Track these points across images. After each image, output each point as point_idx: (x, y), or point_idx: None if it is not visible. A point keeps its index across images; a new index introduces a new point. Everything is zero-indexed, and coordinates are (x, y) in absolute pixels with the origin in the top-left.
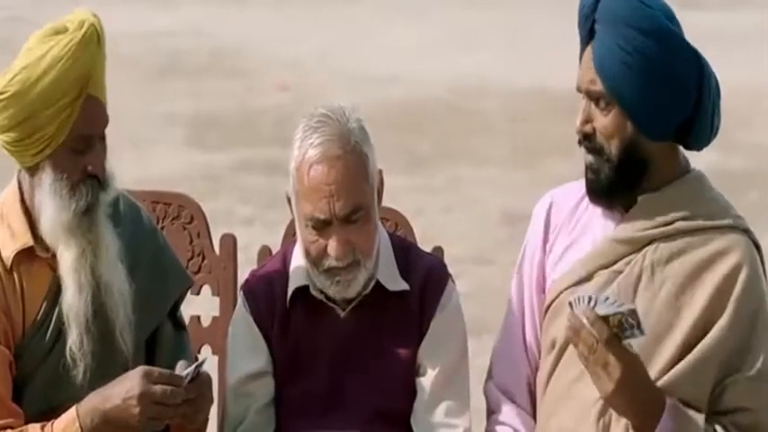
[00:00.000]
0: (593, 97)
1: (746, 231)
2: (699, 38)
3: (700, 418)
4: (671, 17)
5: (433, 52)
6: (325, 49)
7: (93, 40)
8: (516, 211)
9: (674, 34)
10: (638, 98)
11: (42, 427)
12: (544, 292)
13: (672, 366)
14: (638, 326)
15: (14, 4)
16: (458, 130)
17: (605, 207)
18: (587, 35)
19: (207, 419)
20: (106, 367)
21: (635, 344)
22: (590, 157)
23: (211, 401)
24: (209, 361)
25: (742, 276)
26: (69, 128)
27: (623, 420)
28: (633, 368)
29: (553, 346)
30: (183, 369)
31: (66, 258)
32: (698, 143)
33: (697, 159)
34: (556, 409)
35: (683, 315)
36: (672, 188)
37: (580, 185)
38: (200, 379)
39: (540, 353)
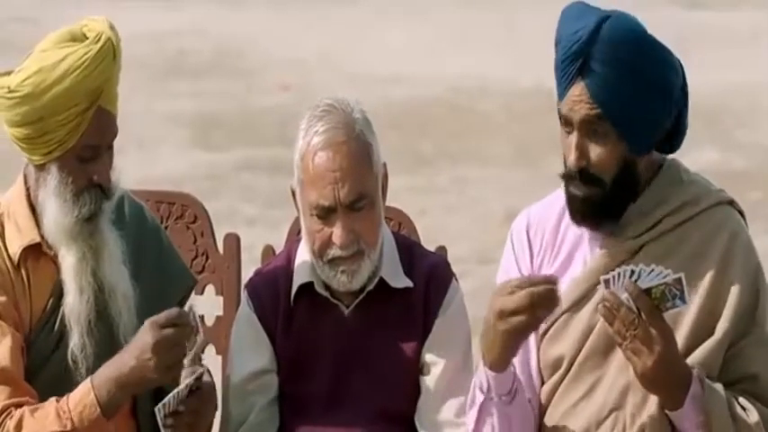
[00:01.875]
0: (588, 127)
1: (731, 202)
2: (699, 38)
3: (720, 387)
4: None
5: (435, 52)
6: (327, 50)
7: (108, 55)
8: (519, 210)
9: (663, 47)
10: (640, 119)
11: (57, 400)
12: None
13: (684, 352)
14: (681, 295)
15: (20, 4)
16: (460, 130)
17: (597, 230)
18: (577, 71)
19: (212, 423)
20: None
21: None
22: (584, 189)
23: (215, 409)
24: (212, 360)
25: (739, 245)
26: (78, 136)
27: (636, 427)
28: (672, 340)
29: (557, 367)
30: (188, 365)
31: (68, 261)
32: (678, 147)
33: (697, 159)
34: (563, 425)
35: (689, 306)
36: (652, 187)
37: (555, 201)
38: (202, 389)
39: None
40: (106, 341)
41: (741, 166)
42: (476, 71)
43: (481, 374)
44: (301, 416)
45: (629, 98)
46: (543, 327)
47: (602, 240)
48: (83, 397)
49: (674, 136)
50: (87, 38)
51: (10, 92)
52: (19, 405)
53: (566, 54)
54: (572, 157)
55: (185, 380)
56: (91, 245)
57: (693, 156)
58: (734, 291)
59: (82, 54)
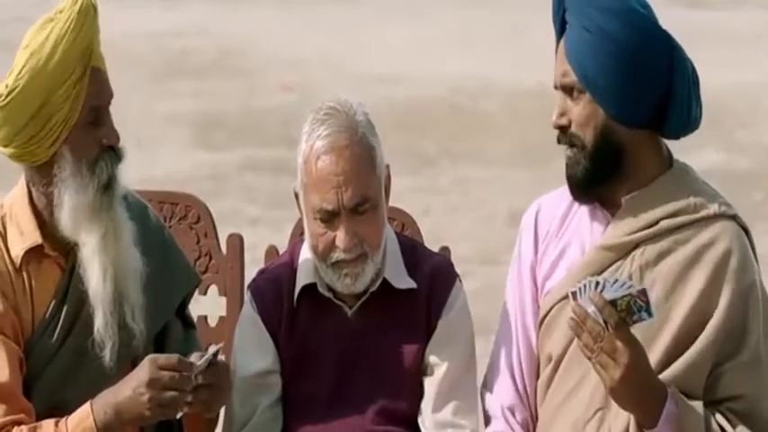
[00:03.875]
0: (567, 89)
1: (734, 217)
2: (701, 38)
3: (698, 405)
4: (643, 4)
5: (437, 52)
6: (330, 49)
7: (89, 12)
8: (522, 210)
9: (640, 14)
10: (606, 82)
11: (56, 423)
12: (539, 303)
13: (665, 362)
14: (647, 307)
15: (20, 4)
16: (462, 130)
17: (587, 202)
18: (560, 29)
19: (219, 411)
20: (121, 354)
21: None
22: (568, 152)
23: (231, 387)
24: None
25: (732, 262)
26: (80, 108)
27: (621, 427)
28: (639, 353)
29: (549, 359)
30: (197, 359)
31: (90, 243)
32: (674, 131)
33: (700, 160)
34: (553, 421)
35: (673, 314)
36: (655, 185)
37: (566, 192)
38: (217, 365)
39: (536, 365)
40: (119, 324)
41: (744, 167)
42: (478, 71)
43: None
44: (304, 416)
45: (597, 61)
46: (541, 313)
47: (601, 233)
48: (81, 420)
49: (666, 117)
50: (63, 8)
51: (8, 94)
52: (16, 423)
53: (552, 13)
54: (553, 116)
55: (198, 360)
56: (111, 217)
57: (696, 156)
58: (721, 307)
59: (66, 19)
